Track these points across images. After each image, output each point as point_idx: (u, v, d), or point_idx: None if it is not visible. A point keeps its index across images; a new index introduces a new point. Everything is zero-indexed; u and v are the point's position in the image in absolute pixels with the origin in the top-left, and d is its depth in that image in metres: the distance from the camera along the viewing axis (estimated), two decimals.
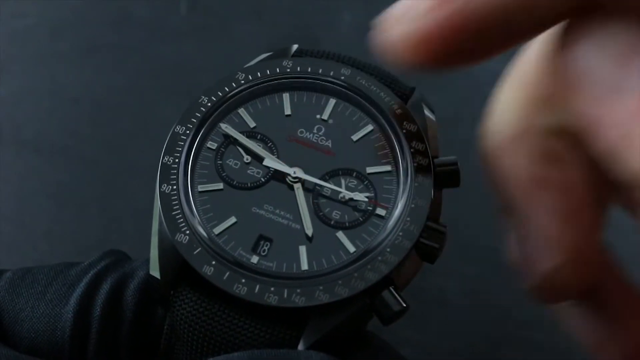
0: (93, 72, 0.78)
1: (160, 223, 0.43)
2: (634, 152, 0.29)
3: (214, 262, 0.41)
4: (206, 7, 0.82)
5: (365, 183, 0.45)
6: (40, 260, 0.66)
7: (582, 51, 0.32)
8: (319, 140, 0.46)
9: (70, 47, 0.79)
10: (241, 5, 0.82)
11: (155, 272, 0.42)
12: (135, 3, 0.81)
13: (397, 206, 0.44)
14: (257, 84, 0.47)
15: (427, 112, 0.47)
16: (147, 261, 0.44)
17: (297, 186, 0.45)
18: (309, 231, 0.43)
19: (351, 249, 0.43)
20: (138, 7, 0.81)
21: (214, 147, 0.46)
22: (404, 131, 0.45)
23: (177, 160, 0.45)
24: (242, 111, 0.47)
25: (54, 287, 0.43)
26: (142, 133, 0.74)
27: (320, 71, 0.48)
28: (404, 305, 0.41)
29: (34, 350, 0.41)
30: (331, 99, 0.47)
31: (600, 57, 0.31)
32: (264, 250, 0.43)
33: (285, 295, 0.41)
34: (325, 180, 0.45)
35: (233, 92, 0.47)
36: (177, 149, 0.45)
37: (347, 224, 0.44)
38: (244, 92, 0.47)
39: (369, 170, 0.45)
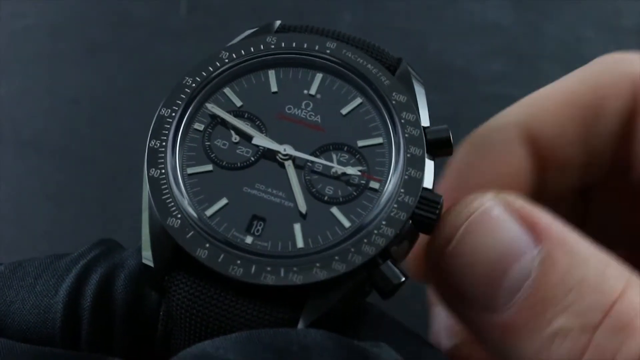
0: (93, 72, 0.78)
1: (151, 208, 0.42)
2: None
3: (207, 245, 0.41)
4: (206, 7, 0.82)
5: (357, 157, 0.44)
6: None
7: None
8: (307, 116, 0.45)
9: (70, 47, 0.79)
10: (241, 5, 0.82)
11: (148, 259, 0.41)
12: (135, 3, 0.81)
13: (390, 178, 0.43)
14: (242, 62, 0.46)
15: (415, 82, 0.46)
16: (138, 250, 0.43)
17: (288, 163, 0.44)
18: (303, 208, 0.43)
19: (346, 224, 0.42)
20: (138, 7, 0.81)
21: (200, 129, 0.45)
22: (394, 102, 0.45)
23: (164, 143, 0.44)
24: (227, 90, 0.46)
25: (43, 278, 0.43)
26: (142, 133, 0.74)
27: (305, 46, 0.47)
28: (404, 277, 0.41)
29: (27, 342, 0.41)
30: (318, 74, 0.47)
31: None
32: (257, 230, 0.42)
33: (282, 274, 0.40)
34: (317, 156, 0.44)
35: (218, 72, 0.46)
36: (164, 132, 0.44)
37: (340, 199, 0.43)
38: (228, 71, 0.46)
39: (360, 143, 0.45)
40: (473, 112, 0.52)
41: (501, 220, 0.40)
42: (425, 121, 0.45)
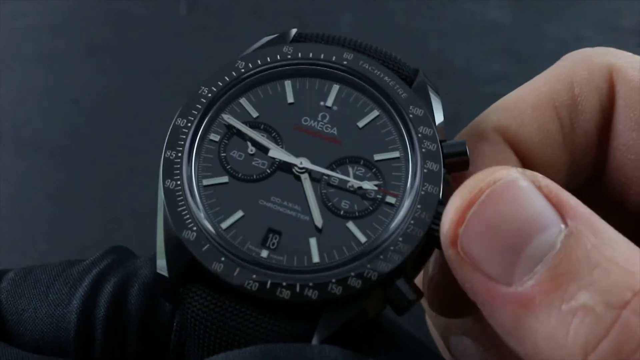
0: (93, 72, 0.78)
1: (166, 220, 0.42)
2: None
3: (223, 259, 0.41)
4: (206, 7, 0.82)
5: (373, 171, 0.44)
6: (40, 260, 0.66)
7: None
8: (324, 128, 0.45)
9: (70, 47, 0.79)
10: (241, 5, 0.82)
11: (162, 270, 0.41)
12: (135, 3, 0.81)
13: (407, 193, 0.43)
14: (258, 72, 0.46)
15: (432, 94, 0.46)
16: (151, 259, 0.43)
17: (304, 177, 0.44)
18: (319, 222, 0.42)
19: (362, 239, 0.42)
20: (138, 7, 0.81)
21: (216, 139, 0.45)
22: (411, 116, 0.44)
23: (179, 154, 0.43)
24: (243, 101, 0.46)
25: (56, 287, 0.42)
26: (142, 133, 0.74)
27: (322, 56, 0.46)
28: (419, 293, 0.41)
29: (40, 351, 0.41)
30: (334, 85, 0.46)
31: None
32: (273, 244, 0.42)
33: (298, 290, 0.40)
34: (333, 170, 0.44)
35: (233, 82, 0.46)
36: (179, 142, 0.44)
37: (356, 214, 0.43)
38: (244, 81, 0.46)
39: (377, 157, 0.44)
40: (473, 112, 0.51)
41: (528, 191, 0.36)
42: (442, 134, 0.45)
